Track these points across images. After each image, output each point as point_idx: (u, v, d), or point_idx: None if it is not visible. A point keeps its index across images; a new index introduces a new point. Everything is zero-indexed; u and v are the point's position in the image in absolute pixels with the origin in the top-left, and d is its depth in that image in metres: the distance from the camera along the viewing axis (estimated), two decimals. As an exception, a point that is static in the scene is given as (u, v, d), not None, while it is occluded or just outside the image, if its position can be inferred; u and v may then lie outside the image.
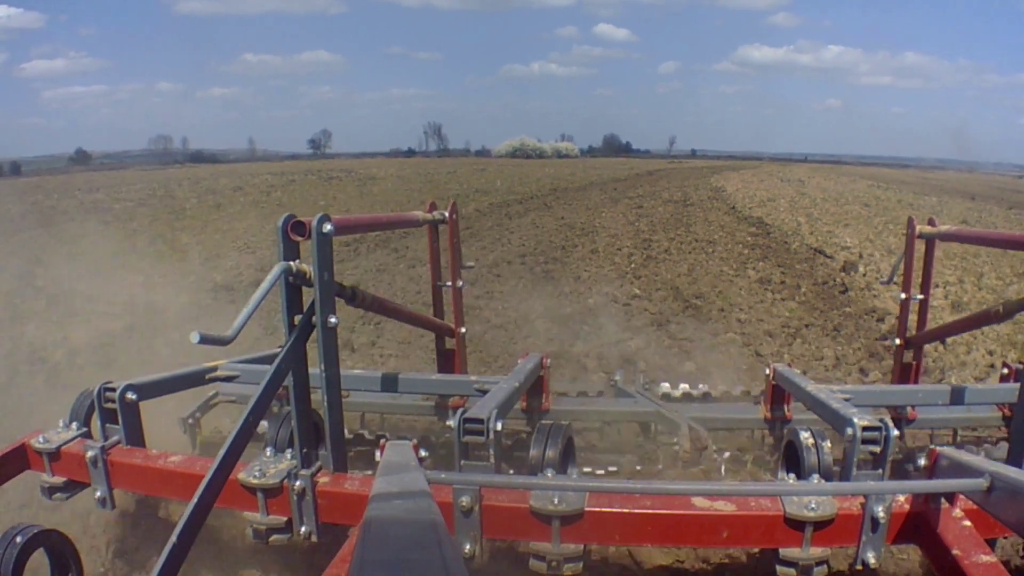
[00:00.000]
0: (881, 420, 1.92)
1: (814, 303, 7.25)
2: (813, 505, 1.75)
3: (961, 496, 1.72)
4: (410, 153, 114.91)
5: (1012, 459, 2.19)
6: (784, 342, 5.77)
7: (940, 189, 34.04)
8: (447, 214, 3.15)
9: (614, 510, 1.79)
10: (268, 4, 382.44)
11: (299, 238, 1.85)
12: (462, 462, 1.99)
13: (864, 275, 8.57)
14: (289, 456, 2.05)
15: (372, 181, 31.49)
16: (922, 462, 1.81)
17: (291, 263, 1.83)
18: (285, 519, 1.99)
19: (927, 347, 3.63)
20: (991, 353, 5.40)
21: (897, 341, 3.19)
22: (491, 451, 1.97)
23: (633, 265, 9.49)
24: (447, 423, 2.19)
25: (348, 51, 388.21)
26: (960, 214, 18.45)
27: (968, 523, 1.71)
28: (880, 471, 1.90)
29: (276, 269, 1.78)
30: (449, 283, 3.25)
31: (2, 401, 4.42)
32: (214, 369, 2.88)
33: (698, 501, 1.81)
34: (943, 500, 1.74)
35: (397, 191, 25.02)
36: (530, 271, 8.91)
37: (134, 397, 2.29)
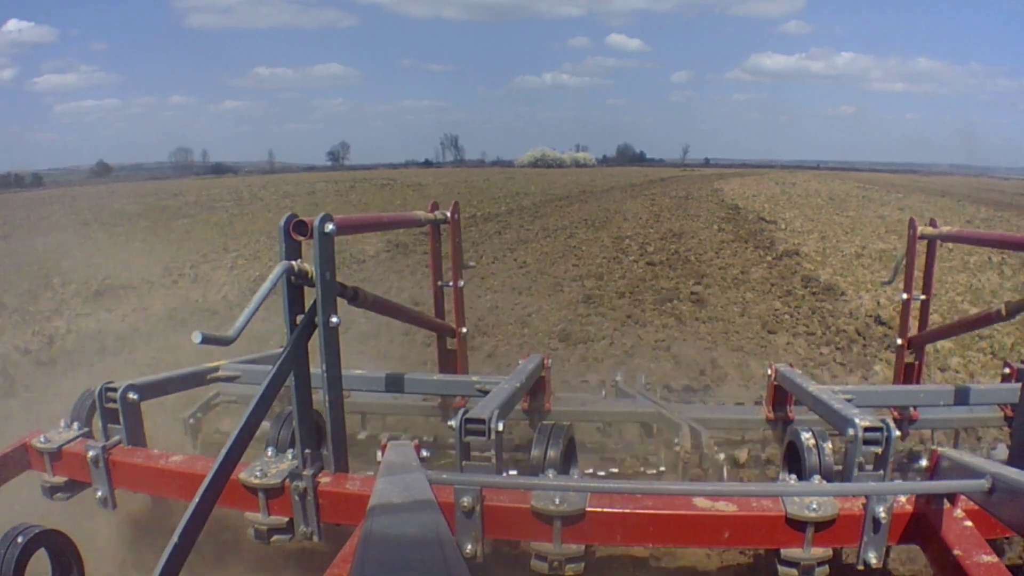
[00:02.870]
0: (883, 420, 1.92)
1: (743, 236, 13.96)
2: (815, 505, 1.75)
3: (962, 496, 1.72)
4: (427, 164, 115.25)
5: (1013, 460, 2.19)
6: (718, 244, 12.68)
7: (918, 189, 36.63)
8: (449, 214, 3.14)
9: (616, 510, 1.79)
10: (279, 18, 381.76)
11: (301, 238, 1.85)
12: (463, 462, 1.99)
13: (783, 228, 15.34)
14: (290, 456, 2.05)
15: (420, 187, 33.86)
16: (923, 463, 1.81)
17: (293, 263, 1.83)
18: (287, 519, 1.99)
19: None
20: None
21: (899, 341, 3.18)
22: (493, 451, 1.97)
23: (649, 223, 16.94)
24: (449, 423, 2.18)
25: (360, 64, 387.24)
26: (909, 205, 23.43)
27: (969, 523, 1.70)
28: (882, 472, 1.90)
29: (278, 269, 1.78)
30: (451, 283, 3.25)
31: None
32: (216, 369, 2.88)
33: (699, 501, 1.81)
34: (945, 501, 1.74)
35: (449, 195, 26.93)
36: (591, 226, 16.17)
37: (135, 397, 2.29)
